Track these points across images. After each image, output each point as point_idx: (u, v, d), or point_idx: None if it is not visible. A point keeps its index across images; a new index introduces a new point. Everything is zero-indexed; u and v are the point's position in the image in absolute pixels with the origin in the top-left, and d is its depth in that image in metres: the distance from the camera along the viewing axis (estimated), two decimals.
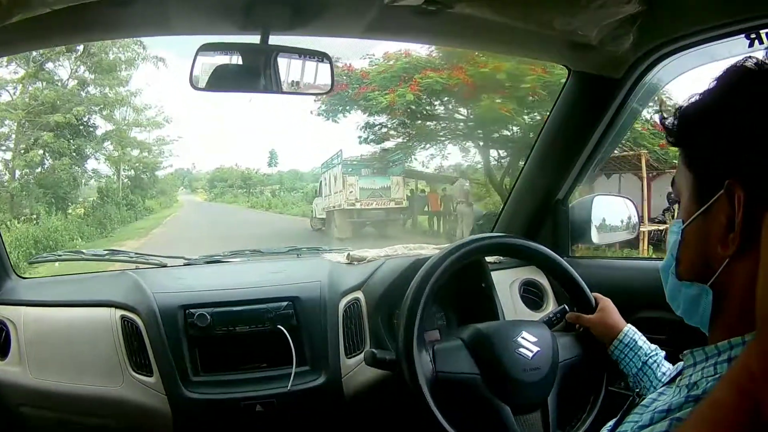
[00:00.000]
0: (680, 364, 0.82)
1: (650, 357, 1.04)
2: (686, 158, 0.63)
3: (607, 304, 1.14)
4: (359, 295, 1.38)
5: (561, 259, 1.21)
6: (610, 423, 0.79)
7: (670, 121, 0.65)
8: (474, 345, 1.10)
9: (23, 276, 1.51)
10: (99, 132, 13.54)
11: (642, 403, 0.66)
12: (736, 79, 0.60)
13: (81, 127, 12.71)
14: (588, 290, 1.17)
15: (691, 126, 0.63)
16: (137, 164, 15.33)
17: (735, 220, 0.55)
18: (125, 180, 15.27)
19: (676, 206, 0.74)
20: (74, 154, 12.86)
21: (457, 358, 1.08)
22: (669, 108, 0.66)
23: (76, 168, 13.10)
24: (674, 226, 0.64)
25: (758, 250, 0.48)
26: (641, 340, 1.07)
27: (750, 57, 0.60)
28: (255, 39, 1.14)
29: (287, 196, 22.09)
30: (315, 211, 14.78)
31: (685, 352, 0.63)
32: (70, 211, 12.74)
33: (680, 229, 0.63)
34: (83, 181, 13.81)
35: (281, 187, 23.50)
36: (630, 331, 1.08)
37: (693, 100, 0.63)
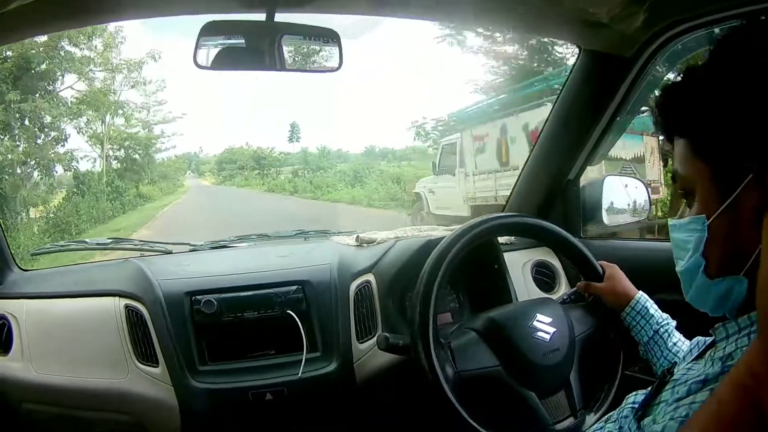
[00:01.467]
0: (699, 339, 0.81)
1: (661, 326, 1.03)
2: (693, 148, 0.60)
3: (615, 272, 1.12)
4: (370, 277, 1.36)
5: (564, 231, 1.19)
6: (637, 399, 0.76)
7: (666, 115, 0.61)
8: (490, 336, 1.07)
9: (25, 268, 1.48)
10: (59, 87, 9.82)
11: (673, 378, 0.64)
12: (734, 44, 0.57)
13: (24, 78, 8.67)
14: (593, 259, 1.15)
15: (695, 112, 0.59)
16: (127, 141, 12.26)
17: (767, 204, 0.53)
18: (113, 162, 12.25)
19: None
20: (16, 118, 8.78)
21: (477, 354, 1.06)
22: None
23: (23, 144, 9.15)
24: (694, 223, 0.61)
25: None
26: (653, 308, 1.05)
27: (739, 25, 0.57)
28: (261, 17, 1.12)
29: (314, 177, 18.64)
30: (428, 201, 9.02)
31: (717, 325, 0.62)
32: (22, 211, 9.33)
33: (705, 226, 0.59)
34: (54, 165, 10.16)
35: (305, 166, 20.02)
36: (642, 298, 1.06)
37: (687, 83, 0.60)
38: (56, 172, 10.53)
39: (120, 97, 11.60)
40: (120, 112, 11.60)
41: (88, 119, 10.77)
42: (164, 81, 13.03)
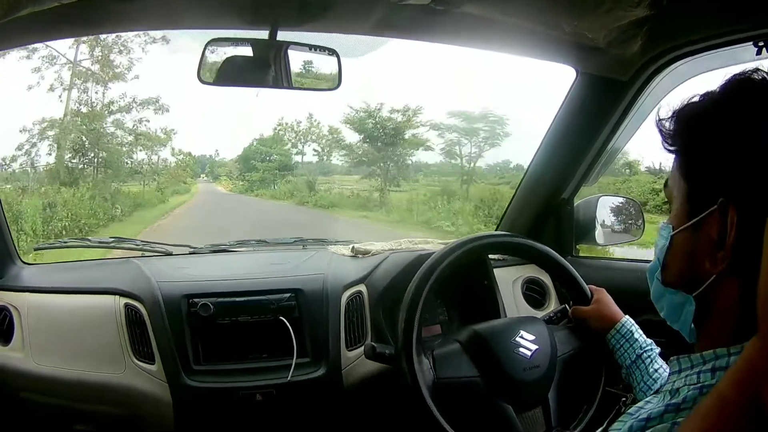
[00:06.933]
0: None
1: (645, 351, 1.04)
2: (681, 166, 0.62)
3: (603, 296, 1.14)
4: (362, 288, 1.39)
5: (555, 253, 1.21)
6: (599, 430, 0.80)
7: (667, 125, 0.63)
8: (473, 348, 1.10)
9: (28, 262, 1.52)
10: None
11: (629, 411, 0.66)
12: (741, 91, 0.58)
13: None
14: (582, 282, 1.17)
15: (688, 133, 0.61)
16: None
17: (725, 239, 0.55)
18: None
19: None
20: None
21: (458, 363, 1.09)
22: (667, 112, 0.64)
23: None
24: (664, 230, 0.64)
25: (747, 269, 0.49)
26: (638, 332, 1.07)
27: (758, 69, 0.58)
28: (264, 34, 1.14)
29: None
30: None
31: (671, 359, 0.64)
32: None
33: (669, 235, 0.62)
34: None
35: None
36: (627, 322, 1.08)
37: (693, 104, 0.61)
38: None
39: None
40: None
41: None
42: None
